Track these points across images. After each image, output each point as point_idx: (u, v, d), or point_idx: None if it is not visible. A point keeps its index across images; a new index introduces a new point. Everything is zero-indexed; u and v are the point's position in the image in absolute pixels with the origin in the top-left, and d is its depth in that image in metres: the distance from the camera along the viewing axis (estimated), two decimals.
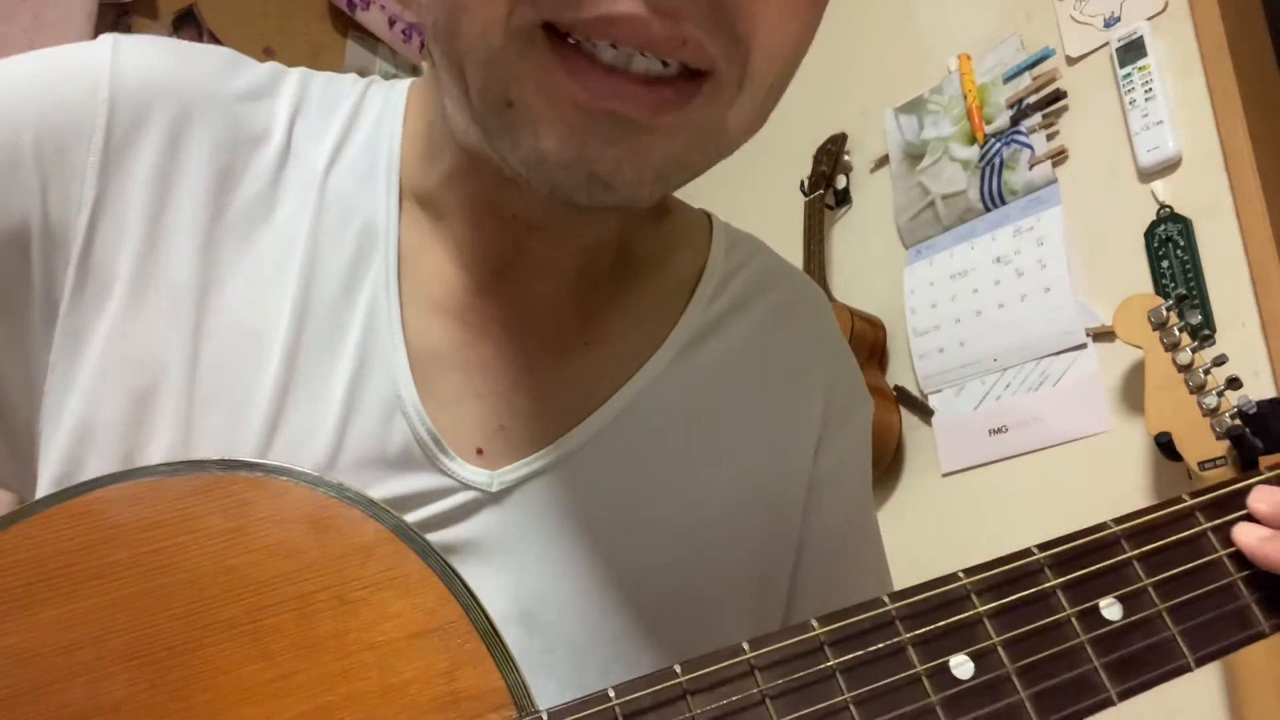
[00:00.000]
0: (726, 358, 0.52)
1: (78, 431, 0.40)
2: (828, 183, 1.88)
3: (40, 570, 0.32)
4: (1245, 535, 0.37)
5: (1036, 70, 1.62)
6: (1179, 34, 1.45)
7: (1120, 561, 0.36)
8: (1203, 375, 1.19)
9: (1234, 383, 1.17)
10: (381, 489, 0.41)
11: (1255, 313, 1.32)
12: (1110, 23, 1.53)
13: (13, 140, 0.41)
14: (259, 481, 0.34)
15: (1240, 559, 0.37)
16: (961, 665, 0.33)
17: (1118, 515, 0.38)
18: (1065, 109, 1.58)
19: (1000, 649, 0.34)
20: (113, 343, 0.41)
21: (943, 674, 0.33)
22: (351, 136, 0.47)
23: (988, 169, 1.66)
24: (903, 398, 1.71)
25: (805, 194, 1.90)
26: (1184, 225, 1.39)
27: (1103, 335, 1.46)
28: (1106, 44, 1.52)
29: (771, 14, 0.36)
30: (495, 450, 0.45)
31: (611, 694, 0.31)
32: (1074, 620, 0.35)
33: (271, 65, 0.48)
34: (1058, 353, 1.52)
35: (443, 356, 0.45)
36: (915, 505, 1.68)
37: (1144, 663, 0.34)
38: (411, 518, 0.42)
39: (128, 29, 1.93)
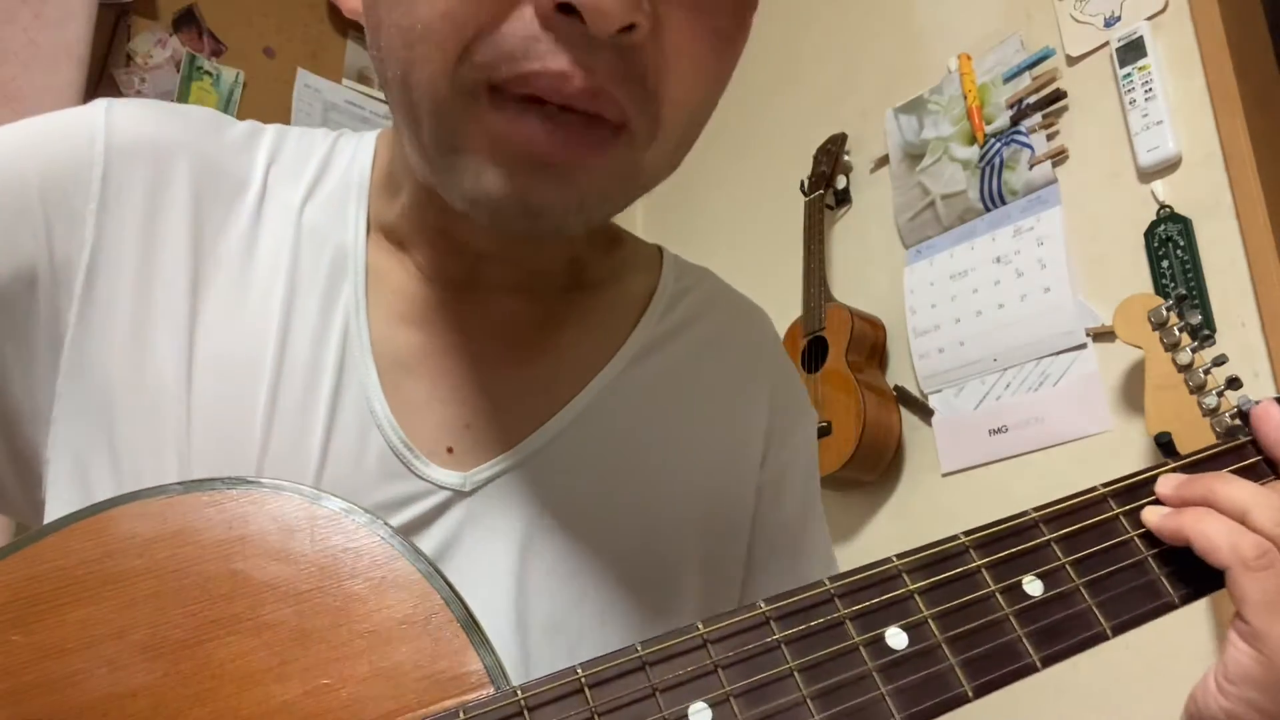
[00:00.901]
0: (676, 366, 0.57)
1: (85, 457, 0.44)
2: (828, 183, 1.88)
3: (66, 577, 0.35)
4: (1151, 514, 0.41)
5: (1036, 70, 1.62)
6: (1179, 34, 1.45)
7: (1040, 543, 0.40)
8: (1203, 375, 1.19)
9: (1234, 383, 1.17)
10: (365, 498, 0.45)
11: (1255, 313, 1.32)
12: (1110, 22, 1.53)
13: (21, 189, 0.45)
14: (259, 496, 0.38)
15: (1150, 539, 0.41)
16: (896, 636, 0.36)
17: None
18: (1065, 109, 1.58)
19: (930, 621, 0.36)
20: (115, 373, 0.45)
21: (879, 644, 0.36)
22: (324, 178, 0.52)
23: (988, 169, 1.66)
24: (903, 398, 1.72)
25: (805, 194, 1.90)
26: (1184, 225, 1.39)
27: (1103, 335, 1.46)
28: (1106, 44, 1.52)
29: (680, 70, 0.40)
30: (464, 449, 0.49)
31: (579, 669, 0.34)
32: (998, 595, 0.38)
33: (249, 123, 0.53)
34: (1058, 353, 1.52)
35: (408, 364, 0.49)
36: (915, 505, 1.68)
37: (1064, 632, 0.37)
38: (394, 521, 0.45)
39: (127, 29, 1.93)
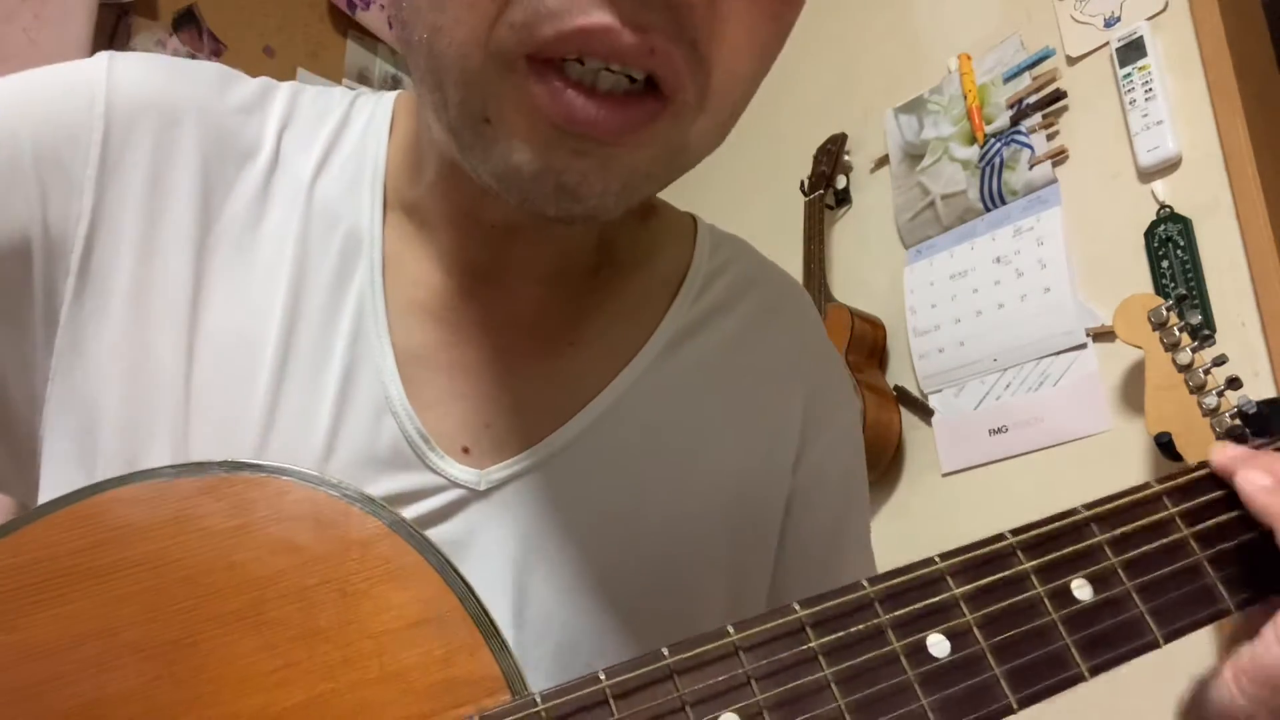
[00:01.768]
0: (709, 357, 0.53)
1: (80, 438, 0.41)
2: (828, 183, 1.88)
3: (52, 569, 0.33)
4: (1249, 482, 0.38)
5: (1036, 70, 1.62)
6: (1179, 34, 1.45)
7: (1091, 545, 0.38)
8: (1203, 375, 1.19)
9: (1234, 383, 1.17)
10: (374, 488, 0.42)
11: (1255, 313, 1.32)
12: (1110, 23, 1.53)
13: (13, 154, 0.42)
14: (260, 481, 0.35)
15: (1204, 540, 0.38)
16: (938, 644, 0.34)
17: None
18: (1065, 109, 1.58)
19: (975, 628, 0.35)
20: (112, 349, 0.42)
21: (920, 652, 0.34)
22: (338, 146, 0.49)
23: (988, 169, 1.66)
24: (903, 398, 1.72)
25: (805, 194, 1.90)
26: (1184, 225, 1.39)
27: (1103, 335, 1.46)
28: (1106, 44, 1.52)
29: (734, 36, 0.37)
30: (481, 449, 0.46)
31: (602, 676, 0.32)
32: (1046, 600, 0.36)
33: (262, 80, 0.49)
34: (1058, 353, 1.52)
35: (426, 358, 0.46)
36: (915, 505, 1.68)
37: (1114, 640, 0.36)
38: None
39: (128, 29, 1.93)
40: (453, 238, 0.47)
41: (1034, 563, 0.37)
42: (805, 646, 0.33)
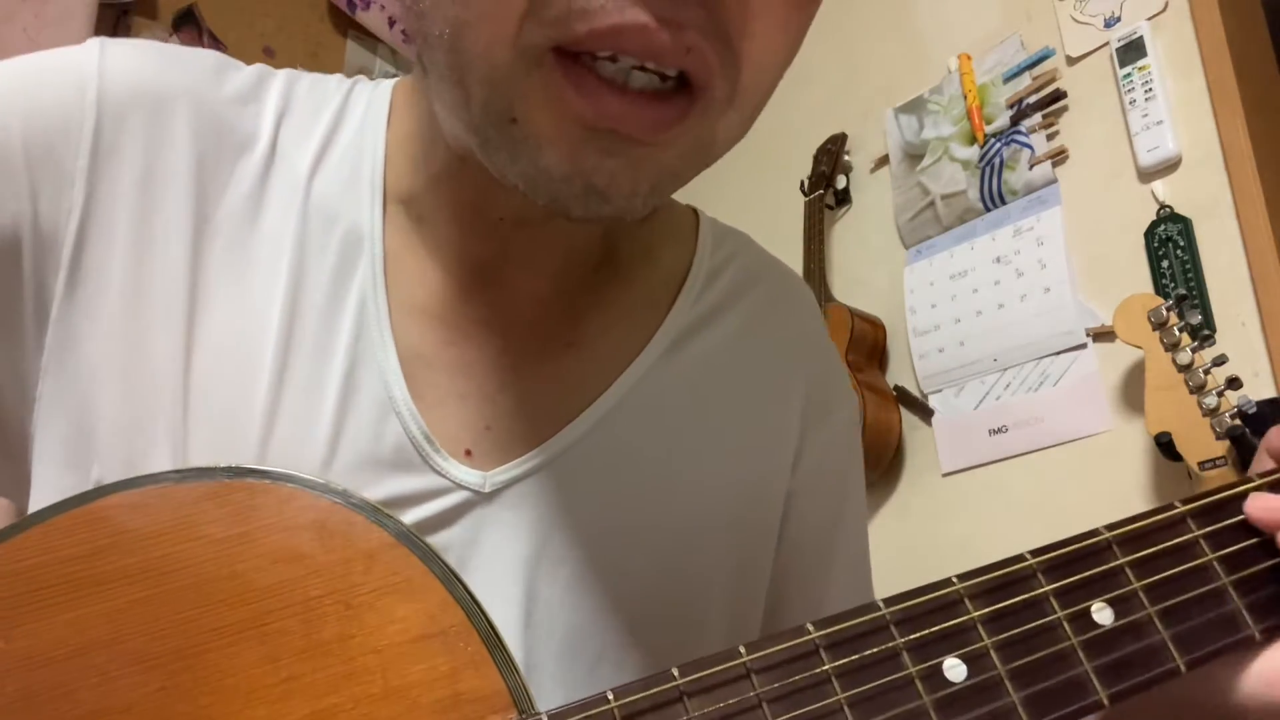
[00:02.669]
0: (711, 356, 0.52)
1: (72, 437, 0.41)
2: (828, 183, 1.88)
3: (50, 575, 0.32)
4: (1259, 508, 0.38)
5: (1036, 70, 1.62)
6: (1179, 34, 1.45)
7: (1112, 567, 0.37)
8: (1203, 375, 1.19)
9: (1234, 383, 1.17)
10: (377, 490, 0.42)
11: (1255, 313, 1.32)
12: (1110, 23, 1.53)
13: (2, 144, 0.41)
14: (265, 488, 0.34)
15: (1229, 564, 0.38)
16: (954, 668, 0.33)
17: (1118, 515, 0.39)
18: (1065, 109, 1.58)
19: (992, 652, 0.34)
20: (105, 348, 0.41)
21: (936, 676, 0.33)
22: (336, 139, 0.47)
23: (988, 169, 1.66)
24: (903, 398, 1.72)
25: (805, 194, 1.90)
26: (1184, 225, 1.40)
27: (1103, 335, 1.46)
28: (1106, 44, 1.52)
29: (763, 29, 0.37)
30: (483, 451, 0.45)
31: (610, 696, 0.31)
32: (1065, 624, 0.35)
33: (258, 67, 0.48)
34: (1058, 353, 1.52)
35: (427, 359, 0.45)
36: (915, 505, 1.68)
37: (1134, 666, 0.35)
38: (406, 519, 0.42)
39: (128, 29, 1.93)
40: (455, 232, 0.46)
41: (1054, 585, 0.36)
42: (819, 669, 0.33)
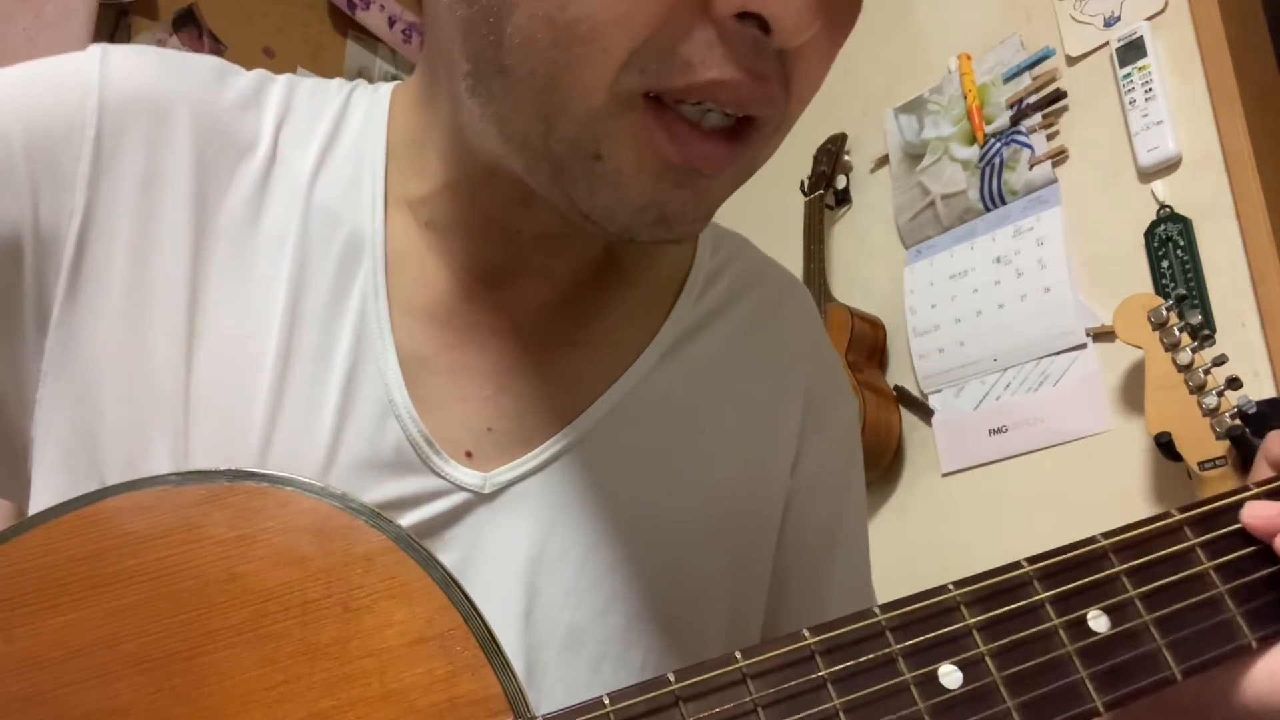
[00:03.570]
0: (711, 357, 0.53)
1: (73, 440, 0.41)
2: (828, 183, 1.88)
3: (51, 576, 0.32)
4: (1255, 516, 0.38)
5: (1036, 70, 1.62)
6: (1179, 34, 1.45)
7: (1108, 574, 0.37)
8: (1203, 375, 1.19)
9: (1234, 383, 1.17)
10: (377, 492, 0.42)
11: (1255, 313, 1.32)
12: (1110, 23, 1.53)
13: (4, 147, 0.41)
14: (265, 491, 0.34)
15: (1226, 572, 0.38)
16: (950, 674, 0.34)
17: (1118, 515, 0.39)
18: (1065, 109, 1.58)
19: (988, 659, 0.34)
20: (106, 351, 0.41)
21: (931, 683, 0.33)
22: (336, 143, 0.48)
23: (988, 169, 1.66)
24: (903, 398, 1.72)
25: (805, 194, 1.90)
26: (1184, 225, 1.40)
27: (1103, 335, 1.46)
28: (1106, 44, 1.52)
29: (809, 67, 0.40)
30: (484, 453, 0.46)
31: (606, 701, 0.31)
32: (1061, 631, 0.35)
33: (258, 73, 0.49)
34: (1058, 353, 1.52)
35: (428, 361, 0.46)
36: (915, 505, 1.68)
37: (1130, 673, 0.35)
38: (407, 520, 0.42)
39: (128, 29, 1.93)
40: (467, 242, 0.47)
41: (1050, 593, 0.36)
42: (814, 675, 0.33)
